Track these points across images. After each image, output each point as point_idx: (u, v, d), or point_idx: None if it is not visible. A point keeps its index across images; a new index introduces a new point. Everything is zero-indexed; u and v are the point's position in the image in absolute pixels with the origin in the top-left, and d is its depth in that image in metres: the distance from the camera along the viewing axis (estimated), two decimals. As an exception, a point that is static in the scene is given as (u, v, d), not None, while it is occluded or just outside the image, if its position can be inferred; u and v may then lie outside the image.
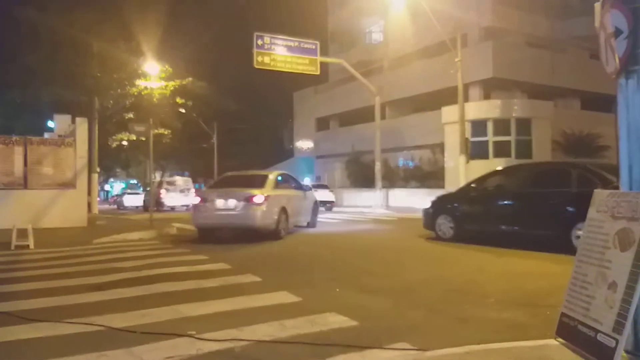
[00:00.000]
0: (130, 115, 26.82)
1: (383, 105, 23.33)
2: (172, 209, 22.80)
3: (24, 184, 13.62)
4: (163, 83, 27.96)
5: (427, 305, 4.91)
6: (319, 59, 20.86)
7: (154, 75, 27.40)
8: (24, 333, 4.07)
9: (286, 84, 34.64)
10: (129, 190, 37.34)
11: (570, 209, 8.09)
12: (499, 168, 11.83)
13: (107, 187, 42.37)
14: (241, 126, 39.25)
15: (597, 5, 3.80)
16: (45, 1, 24.88)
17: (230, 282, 6.05)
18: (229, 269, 6.98)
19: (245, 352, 3.61)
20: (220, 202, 10.65)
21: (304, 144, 37.28)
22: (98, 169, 22.78)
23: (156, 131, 31.95)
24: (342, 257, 8.27)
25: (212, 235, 11.18)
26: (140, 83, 27.36)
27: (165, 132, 26.97)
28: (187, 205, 22.60)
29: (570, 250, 6.33)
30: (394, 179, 26.49)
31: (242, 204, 10.44)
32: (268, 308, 4.80)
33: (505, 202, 9.44)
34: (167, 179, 24.88)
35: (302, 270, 7.18)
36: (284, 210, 11.08)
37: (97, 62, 25.99)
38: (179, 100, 28.57)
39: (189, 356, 3.51)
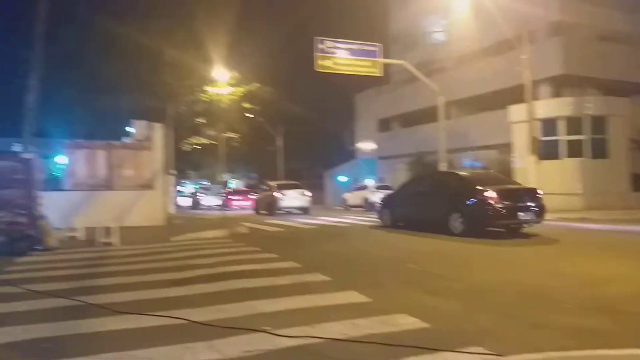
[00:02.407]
0: (202, 120, 28.03)
1: (447, 105, 22.77)
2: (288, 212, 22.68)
3: (108, 185, 14.61)
4: (231, 89, 28.98)
5: (499, 309, 4.80)
6: (381, 60, 20.76)
7: (223, 82, 28.48)
8: (114, 324, 4.42)
9: (348, 86, 34.72)
10: (203, 191, 38.99)
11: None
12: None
13: (180, 188, 44.43)
14: (305, 128, 39.78)
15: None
16: (122, 12, 26.53)
17: (301, 280, 6.21)
18: (298, 268, 7.16)
19: (320, 349, 3.71)
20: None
21: (366, 146, 37.22)
22: (174, 171, 23.89)
23: (226, 135, 33.30)
24: (409, 258, 8.22)
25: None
26: (210, 89, 28.52)
27: (234, 136, 27.89)
28: (303, 207, 22.64)
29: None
30: (459, 180, 25.76)
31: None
32: (339, 307, 4.89)
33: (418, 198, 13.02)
34: (278, 182, 25.15)
35: (370, 270, 7.21)
36: None
37: (170, 70, 27.41)
38: (246, 105, 29.49)
39: (266, 351, 3.66)
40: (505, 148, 23.14)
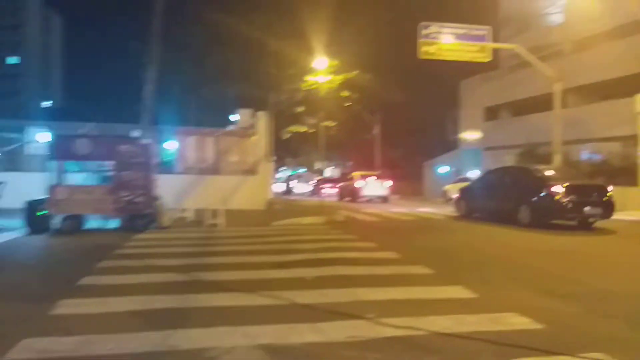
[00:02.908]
0: (301, 108, 28.69)
1: (563, 92, 21.04)
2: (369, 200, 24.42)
3: (214, 170, 15.50)
4: (330, 77, 29.26)
5: (625, 317, 4.34)
6: (490, 45, 19.68)
7: (322, 70, 28.83)
8: (226, 300, 4.66)
9: (452, 73, 33.40)
10: (296, 178, 40.46)
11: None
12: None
13: (278, 175, 46.21)
14: (404, 117, 39.04)
15: None
16: (229, 5, 27.80)
17: (402, 272, 6.11)
18: (398, 259, 7.05)
19: (425, 342, 3.61)
20: None
21: (470, 135, 35.67)
22: (274, 158, 24.73)
23: (323, 123, 33.77)
24: (520, 256, 7.76)
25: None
26: (310, 78, 29.04)
27: (332, 124, 28.18)
28: (382, 196, 24.43)
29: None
30: (576, 174, 23.83)
31: None
32: (443, 301, 4.73)
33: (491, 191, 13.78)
34: (360, 172, 26.62)
35: (475, 265, 6.90)
36: None
37: (273, 60, 28.32)
38: (344, 93, 29.63)
39: (370, 338, 3.64)
40: (631, 140, 20.91)
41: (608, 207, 11.48)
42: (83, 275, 5.64)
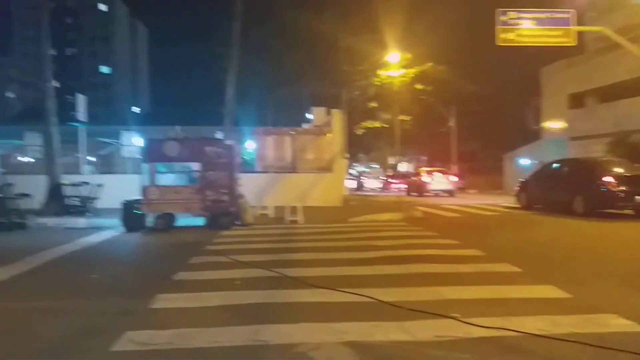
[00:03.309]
0: (374, 104, 28.59)
1: (660, 74, 19.36)
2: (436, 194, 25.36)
3: (292, 168, 15.87)
4: (403, 71, 28.84)
5: None
6: (575, 28, 18.48)
7: (394, 64, 28.49)
8: (307, 296, 4.77)
9: (532, 59, 31.70)
10: (366, 174, 41.29)
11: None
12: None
13: (351, 171, 46.69)
14: (481, 108, 37.61)
15: None
16: (301, 5, 28.26)
17: (487, 270, 5.92)
18: (483, 256, 6.83)
19: (516, 343, 3.49)
20: None
21: (553, 124, 33.65)
22: (347, 155, 24.88)
23: (397, 118, 33.30)
24: (614, 252, 7.25)
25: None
26: (382, 73, 28.81)
27: (406, 119, 27.83)
28: (448, 190, 25.47)
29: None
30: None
31: None
32: (534, 301, 4.54)
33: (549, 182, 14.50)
34: (427, 168, 27.63)
35: (565, 263, 6.55)
36: None
37: (346, 57, 28.44)
38: (418, 86, 29.10)
39: (457, 338, 3.57)
40: None
41: None
42: (177, 271, 6.01)
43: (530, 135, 37.29)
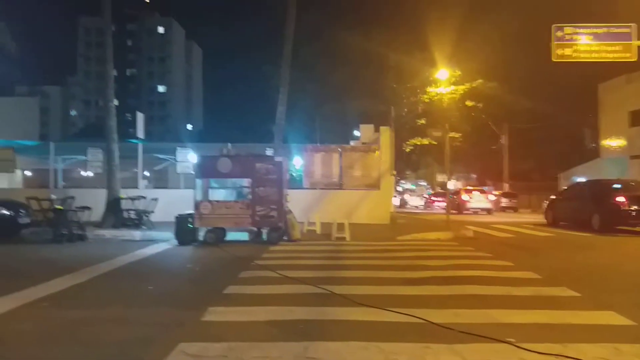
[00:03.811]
0: (422, 121, 28.30)
1: None
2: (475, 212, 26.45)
3: (339, 185, 15.92)
4: (453, 87, 28.47)
5: None
6: (635, 42, 17.70)
7: (443, 81, 28.17)
8: (357, 315, 4.73)
9: (589, 76, 30.55)
10: (410, 192, 43.27)
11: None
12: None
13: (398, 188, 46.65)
14: (535, 125, 36.44)
15: None
16: (349, 23, 28.54)
17: (543, 294, 5.70)
18: (538, 279, 6.58)
19: (576, 371, 3.34)
20: None
21: (613, 142, 32.16)
22: (394, 172, 24.73)
23: (447, 135, 32.66)
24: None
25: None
26: (431, 90, 28.54)
27: (456, 136, 27.32)
28: (486, 209, 26.89)
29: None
30: None
31: None
32: (593, 327, 4.33)
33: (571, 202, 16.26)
34: (466, 187, 29.02)
35: (626, 287, 6.20)
36: None
37: (394, 74, 28.42)
38: (468, 103, 28.60)
39: (512, 364, 3.46)
40: None
41: None
42: (227, 285, 6.13)
43: (586, 153, 35.80)
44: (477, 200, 27.11)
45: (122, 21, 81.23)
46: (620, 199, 13.76)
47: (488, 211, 26.64)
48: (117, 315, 4.87)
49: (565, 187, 19.92)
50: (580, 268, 7.87)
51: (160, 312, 4.97)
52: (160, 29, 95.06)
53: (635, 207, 13.51)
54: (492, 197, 28.07)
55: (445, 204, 29.88)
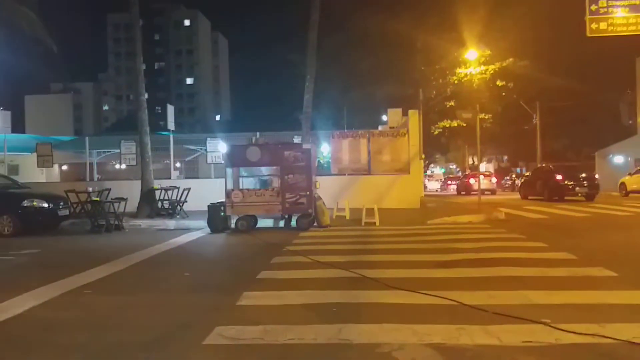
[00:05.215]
0: (451, 103, 27.77)
1: None
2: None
3: (368, 170, 15.87)
4: (482, 67, 27.80)
5: None
6: (677, 12, 16.88)
7: (473, 61, 27.53)
8: (389, 298, 4.76)
9: (625, 50, 29.33)
10: (428, 177, 44.27)
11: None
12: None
13: (428, 172, 46.63)
14: (569, 104, 35.33)
15: None
16: (376, 6, 28.13)
17: (579, 274, 5.60)
18: (574, 260, 6.47)
19: (612, 351, 3.30)
20: None
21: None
22: (423, 156, 24.48)
23: (477, 116, 31.98)
24: None
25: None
26: (460, 71, 27.95)
27: (486, 117, 26.71)
28: (490, 189, 30.36)
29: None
30: None
31: None
32: (632, 307, 4.25)
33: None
34: (471, 171, 31.92)
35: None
36: None
37: (422, 56, 27.95)
38: (499, 82, 27.90)
39: (548, 344, 3.43)
40: None
41: (593, 188, 19.72)
42: (260, 270, 6.26)
43: (623, 130, 34.59)
44: (482, 182, 29.13)
45: (149, 15, 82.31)
46: (559, 176, 20.02)
47: (492, 191, 30.54)
48: (156, 301, 5.05)
49: (528, 173, 27.07)
50: (617, 248, 7.68)
51: (197, 298, 5.13)
52: (187, 22, 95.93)
53: (571, 182, 19.62)
54: (494, 180, 32.68)
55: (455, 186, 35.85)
